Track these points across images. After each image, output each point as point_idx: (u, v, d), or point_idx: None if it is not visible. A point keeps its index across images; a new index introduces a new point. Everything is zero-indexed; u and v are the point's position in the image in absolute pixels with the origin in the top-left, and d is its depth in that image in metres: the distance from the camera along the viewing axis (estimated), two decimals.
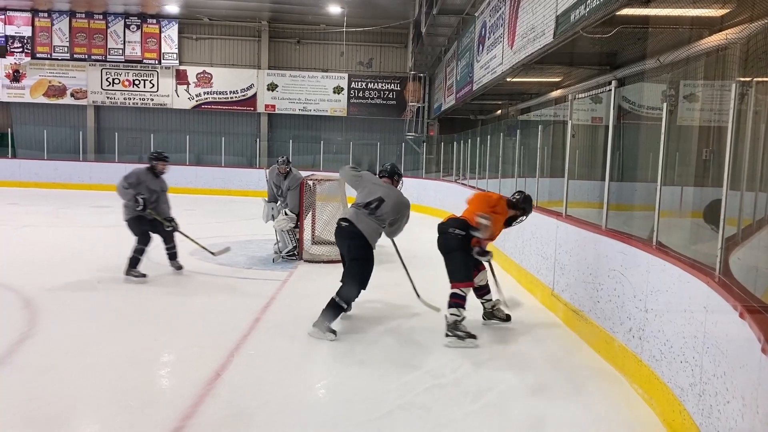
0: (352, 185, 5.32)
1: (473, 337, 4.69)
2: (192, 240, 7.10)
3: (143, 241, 6.61)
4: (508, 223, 5.17)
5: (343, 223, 4.94)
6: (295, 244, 8.01)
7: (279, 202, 8.20)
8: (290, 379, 3.94)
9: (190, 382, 3.79)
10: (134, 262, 6.59)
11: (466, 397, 3.72)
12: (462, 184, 13.05)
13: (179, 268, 7.01)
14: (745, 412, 2.42)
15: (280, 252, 7.99)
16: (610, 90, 4.94)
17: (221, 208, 14.89)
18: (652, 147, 4.23)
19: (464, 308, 4.75)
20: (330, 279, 5.56)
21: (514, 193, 5.28)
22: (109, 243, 8.91)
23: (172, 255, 7.02)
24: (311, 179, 8.26)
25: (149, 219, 6.59)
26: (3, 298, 5.66)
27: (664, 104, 4.08)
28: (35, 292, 5.77)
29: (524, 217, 5.18)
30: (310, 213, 8.32)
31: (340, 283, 4.91)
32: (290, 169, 8.09)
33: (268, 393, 3.70)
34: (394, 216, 5.02)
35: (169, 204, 6.84)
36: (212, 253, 6.89)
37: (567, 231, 5.60)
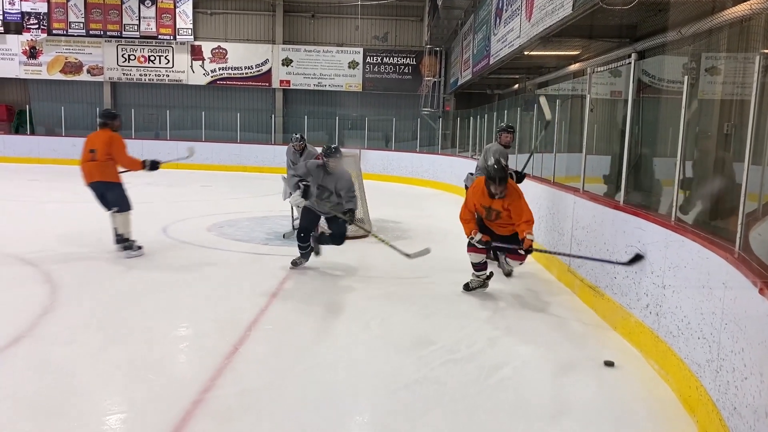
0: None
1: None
2: (385, 242, 6.23)
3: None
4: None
5: None
6: None
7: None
8: (307, 353, 3.98)
9: (209, 356, 3.84)
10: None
11: (482, 372, 3.73)
12: (478, 159, 12.96)
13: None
14: (762, 388, 2.40)
15: (296, 228, 8.01)
16: (630, 63, 4.84)
17: (237, 184, 14.94)
18: (672, 121, 4.15)
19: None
20: (345, 255, 5.59)
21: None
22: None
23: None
24: None
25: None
26: (24, 273, 5.75)
27: (685, 77, 3.99)
28: (55, 267, 5.86)
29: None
30: None
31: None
32: (305, 146, 8.08)
33: (285, 367, 3.75)
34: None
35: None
36: (408, 256, 5.63)
37: (584, 207, 5.55)
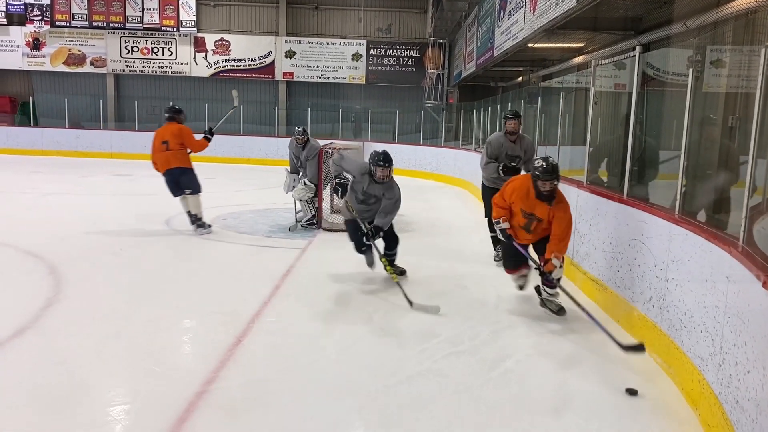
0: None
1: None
2: (395, 279, 5.18)
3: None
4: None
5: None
6: (314, 213, 8.04)
7: (300, 173, 8.23)
8: (310, 345, 4.00)
9: (212, 347, 3.86)
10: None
11: (485, 365, 3.74)
12: (480, 152, 12.95)
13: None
14: (765, 382, 2.40)
15: (299, 221, 8.03)
16: (635, 56, 4.82)
17: (240, 177, 14.96)
18: (677, 114, 4.14)
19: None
20: (348, 247, 5.59)
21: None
22: (130, 210, 9.02)
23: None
24: (330, 147, 8.25)
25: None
26: (28, 265, 5.77)
27: (690, 70, 3.98)
28: (59, 259, 5.87)
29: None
30: (330, 182, 8.33)
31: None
32: (308, 139, 8.08)
33: (288, 359, 3.76)
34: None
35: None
36: (411, 304, 4.77)
37: (587, 200, 5.54)
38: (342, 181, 5.45)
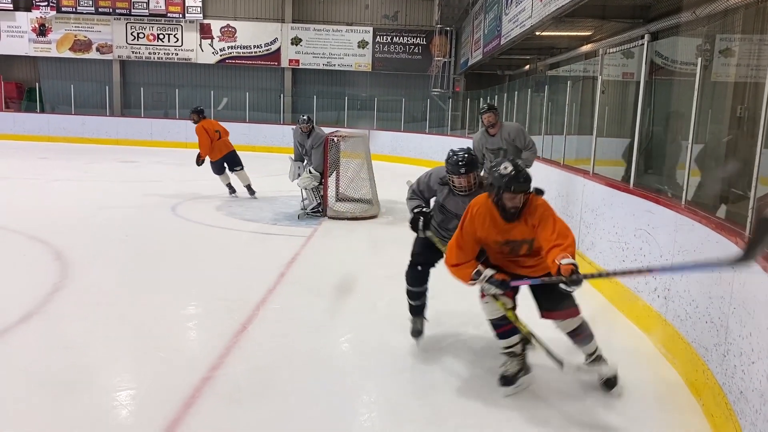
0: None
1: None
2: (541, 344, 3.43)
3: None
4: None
5: None
6: (319, 201, 8.04)
7: (305, 161, 8.22)
8: (314, 333, 4.01)
9: (217, 334, 3.88)
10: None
11: (489, 353, 3.75)
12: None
13: None
14: None
15: (305, 209, 8.03)
16: (643, 44, 4.78)
17: (246, 164, 14.93)
18: (685, 103, 4.11)
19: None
20: (353, 235, 5.60)
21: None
22: (136, 197, 9.05)
23: None
24: (335, 135, 8.23)
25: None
26: (34, 251, 5.80)
27: (699, 59, 3.94)
28: (65, 245, 5.90)
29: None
30: (335, 170, 8.32)
31: None
32: (313, 128, 8.07)
33: (293, 346, 3.78)
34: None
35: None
36: (561, 365, 3.35)
37: (594, 189, 5.52)
38: (423, 209, 3.84)
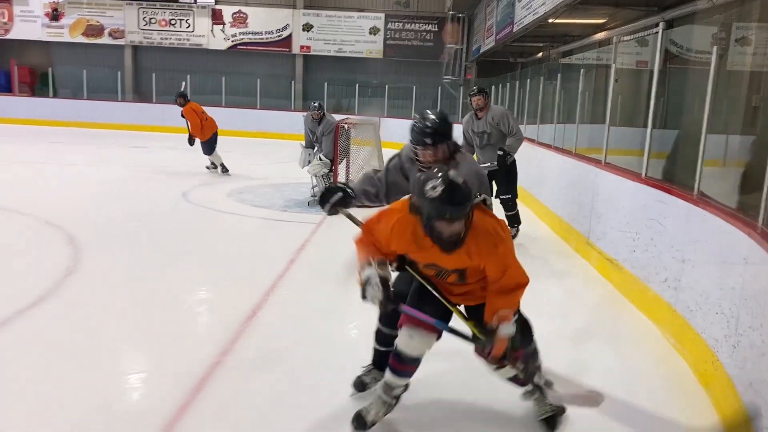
0: None
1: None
2: None
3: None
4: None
5: None
6: None
7: (315, 148, 8.22)
8: (323, 319, 4.03)
9: (227, 319, 3.91)
10: None
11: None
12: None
13: None
14: None
15: (315, 196, 8.04)
16: (657, 32, 4.73)
17: (256, 150, 14.98)
18: (699, 93, 4.07)
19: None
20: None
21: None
22: (147, 182, 9.10)
23: None
24: (346, 122, 8.22)
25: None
26: (47, 235, 5.86)
27: (714, 48, 3.89)
28: (78, 229, 5.94)
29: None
30: (345, 157, 8.32)
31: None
32: (324, 115, 8.06)
33: (302, 332, 3.80)
34: None
35: None
36: None
37: (605, 179, 5.49)
38: (348, 190, 2.97)
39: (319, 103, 8.16)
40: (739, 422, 2.53)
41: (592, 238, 5.64)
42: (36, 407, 2.80)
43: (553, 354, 3.65)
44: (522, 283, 2.48)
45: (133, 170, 10.49)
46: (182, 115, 9.90)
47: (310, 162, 8.12)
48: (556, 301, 4.62)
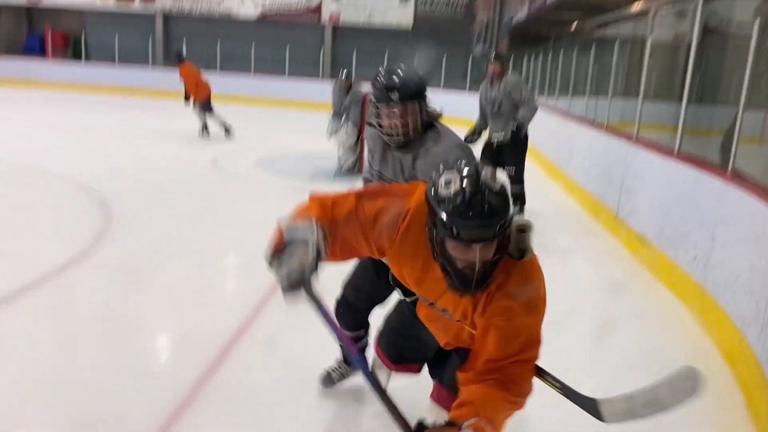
0: None
1: None
2: None
3: None
4: None
5: None
6: (355, 159, 8.05)
7: (343, 118, 8.20)
8: None
9: (255, 284, 3.97)
10: None
11: None
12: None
13: None
14: None
15: (341, 167, 8.05)
16: (696, 4, 4.59)
17: (284, 119, 15.01)
18: (739, 67, 3.95)
19: None
20: None
21: None
22: (177, 148, 9.20)
23: None
24: None
25: None
26: (79, 200, 5.98)
27: (756, 20, 3.77)
28: (109, 194, 6.05)
29: None
30: None
31: None
32: (352, 84, 8.02)
33: (329, 296, 3.84)
34: None
35: None
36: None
37: (637, 154, 5.40)
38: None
39: (348, 72, 8.11)
40: None
41: (621, 214, 5.57)
42: (65, 368, 2.89)
43: (577, 329, 3.66)
44: (524, 391, 1.59)
45: (162, 137, 10.59)
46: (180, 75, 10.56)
47: (337, 132, 8.11)
48: (583, 277, 4.60)
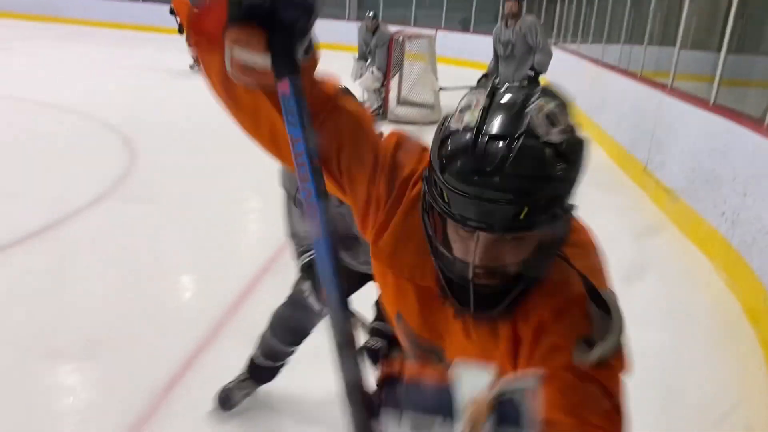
0: None
1: None
2: None
3: None
4: None
5: None
6: (380, 103, 7.94)
7: (368, 60, 8.05)
8: None
9: (276, 226, 3.98)
10: None
11: None
12: (562, 49, 12.27)
13: None
14: None
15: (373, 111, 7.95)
16: None
17: None
18: None
19: None
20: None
21: None
22: (201, 87, 9.12)
23: None
24: (400, 34, 7.98)
25: None
26: (102, 137, 6.01)
27: None
28: (132, 131, 6.07)
29: None
30: (398, 72, 8.13)
31: None
32: (378, 25, 7.83)
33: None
34: None
35: None
36: None
37: (670, 105, 5.23)
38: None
39: (374, 13, 7.91)
40: None
41: (650, 166, 5.44)
42: (89, 305, 2.96)
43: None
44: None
45: (186, 75, 10.52)
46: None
47: (362, 75, 7.98)
48: (607, 229, 4.51)
